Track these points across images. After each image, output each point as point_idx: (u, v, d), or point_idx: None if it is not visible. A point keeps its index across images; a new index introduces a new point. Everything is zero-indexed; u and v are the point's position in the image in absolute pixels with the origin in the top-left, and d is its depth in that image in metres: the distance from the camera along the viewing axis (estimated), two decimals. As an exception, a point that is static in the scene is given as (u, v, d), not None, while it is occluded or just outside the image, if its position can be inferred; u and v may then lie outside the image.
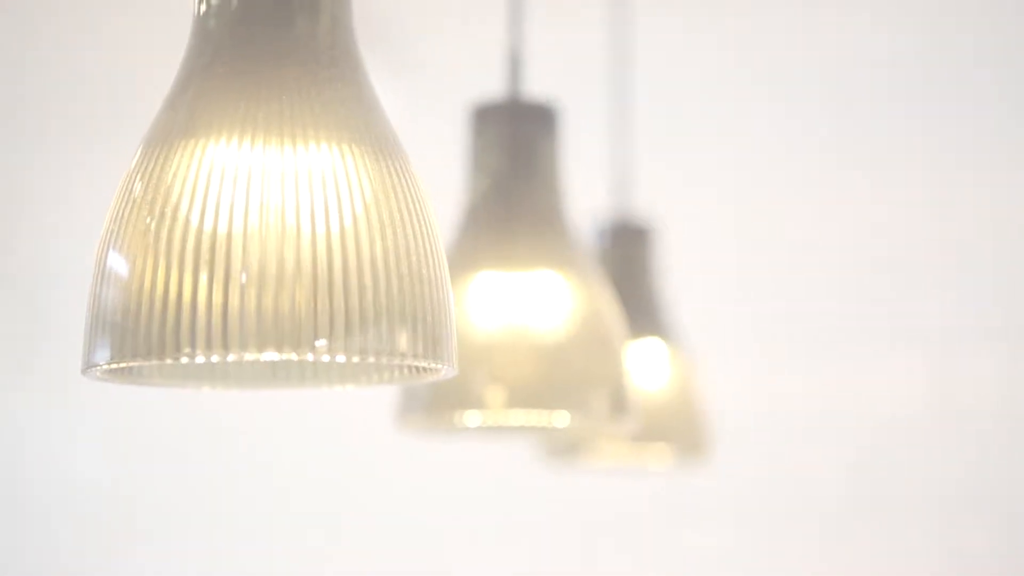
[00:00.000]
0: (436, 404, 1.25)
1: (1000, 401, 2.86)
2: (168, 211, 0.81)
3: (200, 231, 0.80)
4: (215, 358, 0.79)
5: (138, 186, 0.82)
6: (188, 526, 2.99)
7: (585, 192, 1.64)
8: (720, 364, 2.42)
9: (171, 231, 0.80)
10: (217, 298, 0.79)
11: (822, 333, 2.91)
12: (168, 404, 2.94)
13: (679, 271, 2.24)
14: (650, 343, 1.88)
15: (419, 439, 1.92)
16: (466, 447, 2.70)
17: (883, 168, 2.94)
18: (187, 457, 3.00)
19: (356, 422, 2.66)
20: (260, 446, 2.99)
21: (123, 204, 0.82)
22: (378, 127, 0.85)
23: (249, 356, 0.79)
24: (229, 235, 0.80)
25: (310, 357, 0.80)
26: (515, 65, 1.36)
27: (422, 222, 0.84)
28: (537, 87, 1.40)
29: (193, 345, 0.79)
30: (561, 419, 1.25)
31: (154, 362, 0.80)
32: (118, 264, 0.81)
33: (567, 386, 1.25)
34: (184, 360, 0.79)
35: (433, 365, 0.83)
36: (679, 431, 1.88)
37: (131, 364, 0.81)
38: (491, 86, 1.37)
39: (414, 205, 0.84)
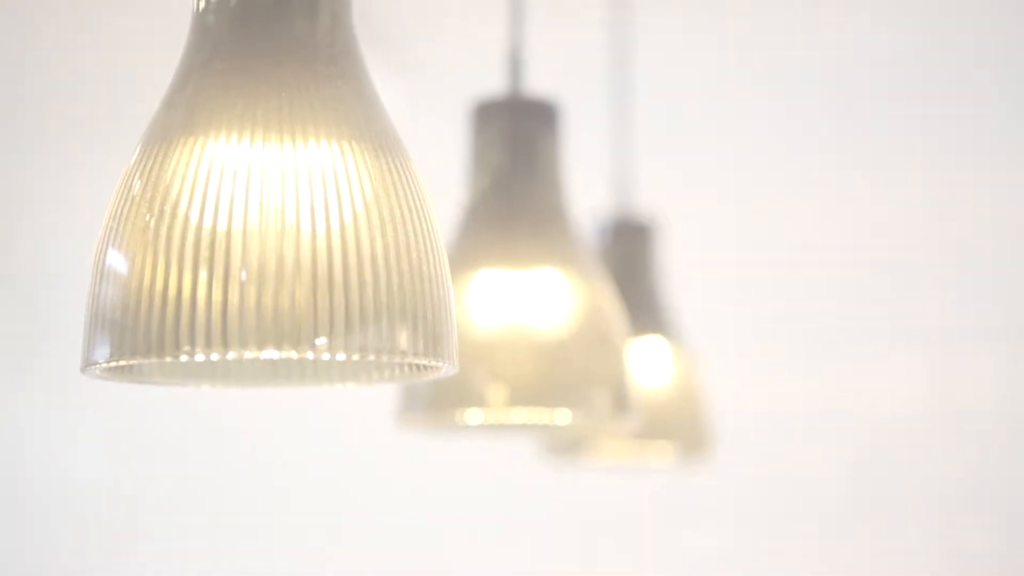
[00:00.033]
0: (437, 402, 1.25)
1: (1000, 401, 2.86)
2: (167, 208, 0.80)
3: (199, 228, 0.79)
4: (215, 356, 0.79)
5: (137, 184, 0.82)
6: (189, 526, 2.99)
7: (586, 190, 1.64)
8: (720, 364, 2.41)
9: (170, 228, 0.80)
10: (217, 296, 0.79)
11: (822, 333, 2.91)
12: (169, 403, 2.94)
13: (678, 271, 2.24)
14: (652, 340, 1.88)
15: (420, 438, 1.91)
16: (467, 446, 2.69)
17: (883, 168, 2.94)
18: (188, 457, 3.00)
19: (356, 421, 2.66)
20: (261, 446, 2.99)
21: (122, 202, 0.82)
22: (378, 124, 0.84)
23: (249, 354, 0.79)
24: (229, 232, 0.79)
25: (310, 355, 0.79)
26: (515, 65, 1.36)
27: (422, 219, 0.83)
28: (537, 87, 1.40)
29: (193, 343, 0.78)
30: (562, 417, 1.25)
31: (153, 360, 0.80)
32: (117, 262, 0.81)
33: (568, 384, 1.25)
34: (184, 358, 0.79)
35: (434, 363, 0.83)
36: (681, 428, 1.87)
37: (130, 362, 0.81)
38: (491, 86, 1.37)
39: (414, 202, 0.83)
